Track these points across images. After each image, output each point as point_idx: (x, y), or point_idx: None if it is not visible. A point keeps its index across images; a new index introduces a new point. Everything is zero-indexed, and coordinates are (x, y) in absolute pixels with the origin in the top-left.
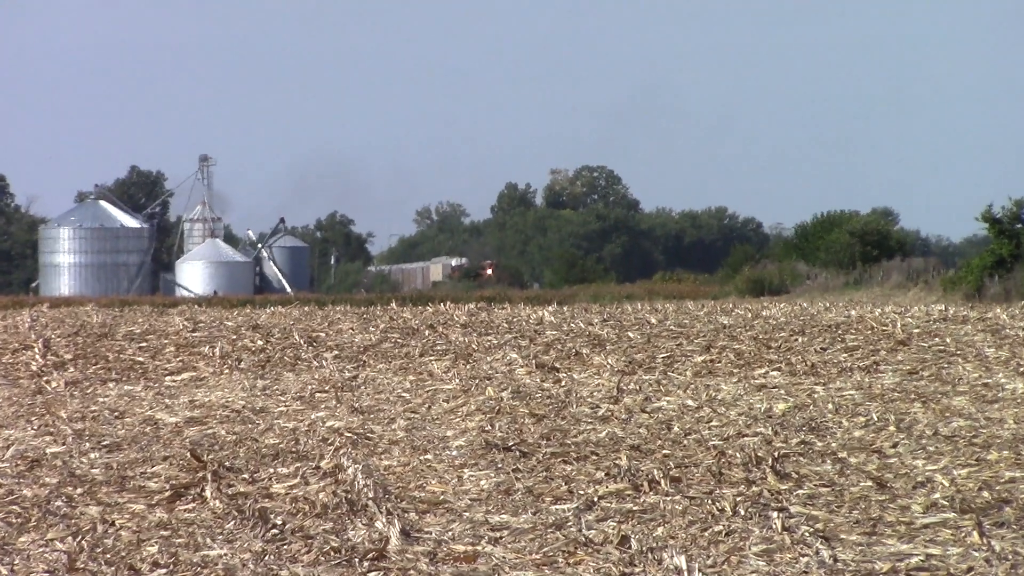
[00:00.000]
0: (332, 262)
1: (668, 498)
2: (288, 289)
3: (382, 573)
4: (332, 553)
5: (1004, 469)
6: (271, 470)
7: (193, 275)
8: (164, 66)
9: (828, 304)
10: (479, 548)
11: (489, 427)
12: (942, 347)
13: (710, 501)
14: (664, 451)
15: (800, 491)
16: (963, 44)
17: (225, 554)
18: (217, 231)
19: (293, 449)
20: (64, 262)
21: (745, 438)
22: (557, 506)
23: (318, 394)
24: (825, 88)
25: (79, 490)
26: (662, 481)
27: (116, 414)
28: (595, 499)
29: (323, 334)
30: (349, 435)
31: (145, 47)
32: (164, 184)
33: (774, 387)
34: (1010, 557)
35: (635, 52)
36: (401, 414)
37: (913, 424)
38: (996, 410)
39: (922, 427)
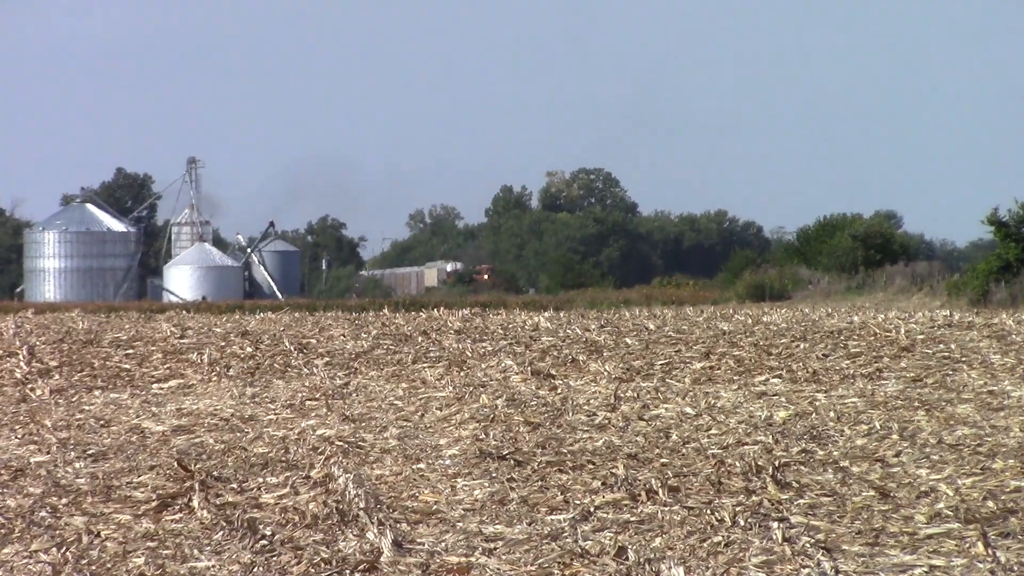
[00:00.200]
0: (323, 267)
1: (666, 508)
2: (278, 294)
3: None
4: (323, 565)
5: (1010, 478)
6: (260, 480)
7: (181, 280)
8: (151, 66)
9: (830, 309)
10: (473, 559)
11: (483, 435)
12: (947, 354)
13: (709, 511)
14: (662, 460)
15: (801, 501)
16: (968, 46)
17: (213, 566)
18: (206, 235)
19: (283, 458)
20: (50, 267)
21: (745, 446)
22: (552, 516)
23: (308, 402)
24: (827, 89)
25: (64, 500)
26: (660, 490)
27: (102, 422)
28: (591, 509)
29: (314, 340)
30: (340, 444)
31: (132, 47)
32: (151, 187)
33: (775, 394)
34: (1015, 568)
35: (634, 53)
36: (393, 422)
37: (917, 432)
38: (1002, 418)
39: (926, 435)
